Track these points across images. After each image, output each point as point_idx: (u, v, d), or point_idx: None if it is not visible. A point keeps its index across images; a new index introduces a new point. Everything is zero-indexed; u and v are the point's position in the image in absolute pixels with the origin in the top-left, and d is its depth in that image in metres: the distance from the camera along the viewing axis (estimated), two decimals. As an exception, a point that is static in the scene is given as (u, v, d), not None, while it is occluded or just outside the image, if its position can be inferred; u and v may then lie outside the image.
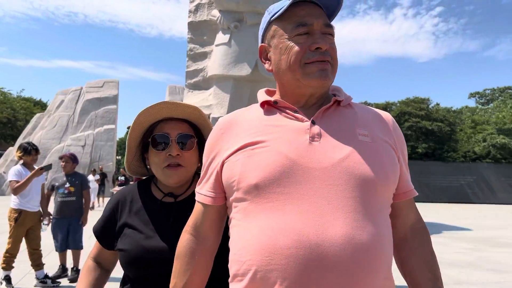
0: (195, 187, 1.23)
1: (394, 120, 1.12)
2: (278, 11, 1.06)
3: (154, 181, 1.42)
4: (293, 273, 0.87)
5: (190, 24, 9.43)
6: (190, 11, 9.49)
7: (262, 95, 1.13)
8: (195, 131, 1.40)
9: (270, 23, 1.09)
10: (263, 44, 1.13)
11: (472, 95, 54.91)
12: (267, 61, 1.11)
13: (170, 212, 1.33)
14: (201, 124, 1.41)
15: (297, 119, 1.02)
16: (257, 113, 1.09)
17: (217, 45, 8.95)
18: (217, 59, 8.81)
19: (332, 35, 1.04)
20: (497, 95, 52.21)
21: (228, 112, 8.58)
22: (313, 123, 1.01)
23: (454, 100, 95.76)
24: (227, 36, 8.75)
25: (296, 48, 1.01)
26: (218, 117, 8.42)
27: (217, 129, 1.12)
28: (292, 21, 1.03)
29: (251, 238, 0.94)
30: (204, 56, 9.32)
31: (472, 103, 53.87)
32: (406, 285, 1.10)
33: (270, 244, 0.90)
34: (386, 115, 1.12)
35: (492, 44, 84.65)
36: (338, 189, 0.92)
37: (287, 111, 1.05)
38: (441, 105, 36.63)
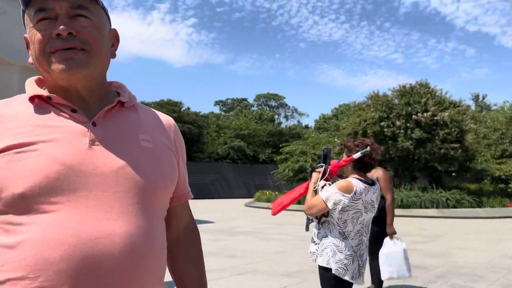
0: None
1: (176, 125, 1.13)
2: None
3: None
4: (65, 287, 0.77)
5: None
6: None
7: (31, 87, 0.95)
8: None
9: (24, 12, 0.94)
10: (25, 35, 0.98)
11: (217, 102, 61.93)
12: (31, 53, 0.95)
13: None
14: None
15: (75, 119, 0.90)
16: (26, 108, 0.91)
17: None
18: None
19: (87, 16, 0.91)
20: (236, 104, 60.67)
21: None
22: (93, 125, 0.91)
23: (203, 105, 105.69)
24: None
25: (39, 36, 0.89)
26: None
27: None
28: (34, 7, 0.90)
29: (15, 255, 0.79)
30: None
31: (217, 110, 60.71)
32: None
33: (38, 259, 0.77)
34: (169, 120, 1.11)
35: (234, 60, 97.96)
36: (118, 196, 0.87)
37: (64, 109, 0.91)
38: (191, 109, 39.76)
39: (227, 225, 12.57)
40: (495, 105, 46.80)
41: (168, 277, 1.16)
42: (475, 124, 19.50)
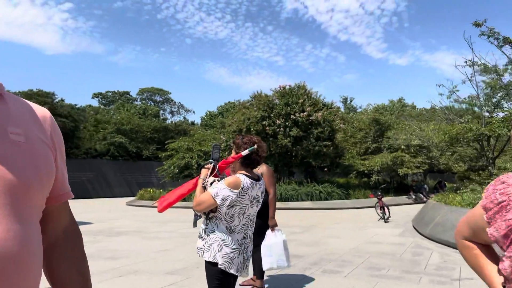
0: None
1: (53, 118, 1.03)
2: None
3: None
4: None
5: None
6: None
7: None
8: None
9: None
10: None
11: (95, 95, 57.82)
12: None
13: None
14: None
15: None
16: None
17: None
18: None
19: None
20: (117, 98, 57.44)
21: None
22: None
23: (79, 97, 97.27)
24: None
25: None
26: None
27: None
28: None
29: None
30: None
31: (95, 103, 56.68)
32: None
33: None
34: (44, 112, 1.01)
35: (116, 51, 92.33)
36: None
37: None
38: (66, 101, 36.47)
39: (106, 226, 11.87)
40: (360, 107, 52.68)
41: (44, 283, 1.07)
42: (344, 124, 21.65)
